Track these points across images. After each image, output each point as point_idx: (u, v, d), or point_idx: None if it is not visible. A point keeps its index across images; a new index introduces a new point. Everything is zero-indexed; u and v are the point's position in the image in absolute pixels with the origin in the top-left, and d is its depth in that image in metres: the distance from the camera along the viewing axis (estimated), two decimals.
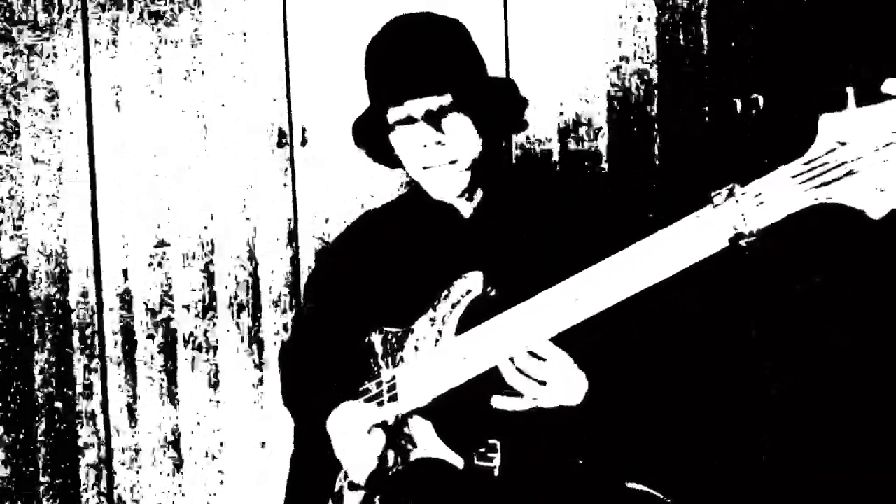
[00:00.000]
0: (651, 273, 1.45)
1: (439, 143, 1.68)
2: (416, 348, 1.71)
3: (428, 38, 1.70)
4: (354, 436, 1.73)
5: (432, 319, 1.69)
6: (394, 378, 1.73)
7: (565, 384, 1.57)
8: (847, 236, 2.05)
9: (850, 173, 1.28)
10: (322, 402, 1.81)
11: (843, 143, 1.29)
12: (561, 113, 2.38)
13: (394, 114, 1.71)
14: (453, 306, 1.66)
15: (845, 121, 1.29)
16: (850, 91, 1.30)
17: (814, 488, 2.24)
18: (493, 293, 1.65)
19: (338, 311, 1.92)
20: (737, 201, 1.37)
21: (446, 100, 1.68)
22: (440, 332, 1.67)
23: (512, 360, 1.57)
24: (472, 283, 1.65)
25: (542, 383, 1.56)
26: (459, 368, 1.63)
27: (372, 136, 1.79)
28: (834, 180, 1.29)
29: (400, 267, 1.84)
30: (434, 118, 1.68)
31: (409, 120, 1.70)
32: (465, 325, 1.66)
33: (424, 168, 1.72)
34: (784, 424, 2.26)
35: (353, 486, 1.77)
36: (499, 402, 1.59)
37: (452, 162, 1.70)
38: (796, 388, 2.23)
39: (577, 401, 1.58)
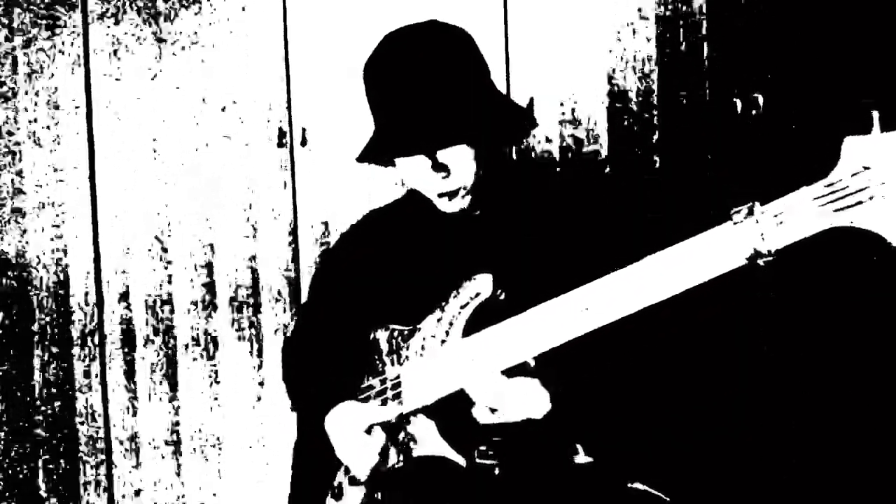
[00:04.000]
0: (665, 286, 1.46)
1: (445, 177, 1.67)
2: (422, 347, 1.71)
3: (433, 74, 1.64)
4: (353, 435, 1.73)
5: (440, 319, 1.69)
6: (398, 376, 1.73)
7: (525, 405, 1.59)
8: (866, 260, 2.08)
9: (872, 198, 1.29)
10: (324, 397, 1.81)
11: (867, 168, 1.30)
12: (561, 113, 2.40)
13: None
14: (462, 308, 1.67)
15: (870, 145, 1.29)
16: (875, 115, 1.31)
17: (813, 489, 2.26)
18: (502, 296, 1.65)
19: (342, 307, 1.92)
20: (756, 220, 1.36)
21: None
22: (447, 333, 1.68)
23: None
24: (481, 286, 1.65)
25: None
26: (466, 370, 1.63)
27: (378, 163, 1.79)
28: (856, 204, 1.30)
29: (405, 265, 1.85)
30: (433, 150, 1.66)
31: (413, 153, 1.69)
32: (471, 326, 1.66)
33: (432, 195, 1.72)
34: (785, 426, 2.28)
35: (354, 482, 1.77)
36: (477, 413, 1.61)
37: (457, 190, 1.70)
38: (797, 391, 2.26)
39: (539, 415, 1.60)
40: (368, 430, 1.73)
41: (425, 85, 1.63)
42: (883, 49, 2.13)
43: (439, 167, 1.66)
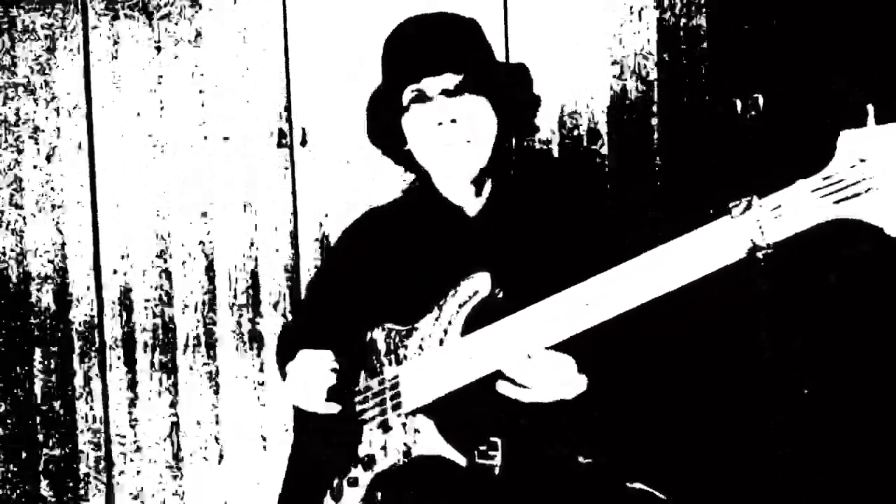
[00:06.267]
0: (664, 281, 1.46)
1: (454, 120, 1.69)
2: (420, 347, 1.71)
3: (445, 27, 1.72)
4: (306, 370, 1.75)
5: (438, 318, 1.69)
6: (397, 376, 1.73)
7: (561, 384, 1.57)
8: (864, 251, 2.07)
9: (869, 190, 1.29)
10: None
11: (863, 160, 1.30)
12: (562, 110, 2.39)
13: (409, 93, 1.72)
14: (460, 306, 1.66)
15: (865, 137, 1.30)
16: (870, 109, 1.31)
17: (815, 488, 2.26)
18: (500, 295, 1.64)
19: (339, 306, 1.91)
20: (755, 214, 1.37)
21: (461, 79, 1.69)
22: (446, 332, 1.67)
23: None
24: (479, 284, 1.65)
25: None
26: (465, 369, 1.63)
27: (385, 118, 1.80)
28: (854, 196, 1.31)
29: (404, 264, 1.84)
30: (450, 96, 1.69)
31: (424, 97, 1.70)
32: (469, 324, 1.65)
33: (438, 148, 1.72)
34: (786, 424, 2.27)
35: (353, 483, 1.76)
36: (503, 387, 1.58)
37: (467, 142, 1.71)
38: (798, 388, 2.25)
39: (571, 396, 1.59)
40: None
41: (442, 28, 1.71)
42: (876, 45, 2.13)
43: (452, 106, 1.68)
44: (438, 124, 1.70)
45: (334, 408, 1.74)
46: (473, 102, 1.70)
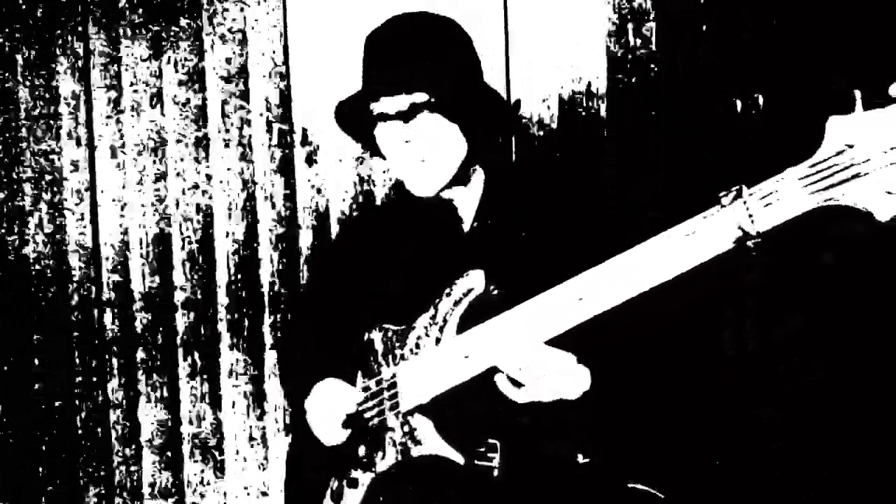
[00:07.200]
0: (656, 273, 1.45)
1: (407, 141, 1.70)
2: (417, 346, 1.71)
3: (411, 38, 1.72)
4: (329, 408, 1.77)
5: (433, 317, 1.69)
6: (394, 376, 1.73)
7: (563, 381, 1.56)
8: (854, 237, 2.06)
9: (857, 175, 1.29)
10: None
11: (851, 146, 1.30)
12: (561, 106, 2.38)
13: (374, 108, 1.73)
14: (455, 304, 1.66)
15: (853, 123, 1.30)
16: (857, 94, 1.30)
17: (816, 488, 2.25)
18: (495, 292, 1.64)
19: (339, 307, 1.91)
20: (744, 202, 1.37)
21: (419, 98, 1.69)
22: (441, 331, 1.67)
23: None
24: (474, 282, 1.65)
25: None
26: (461, 367, 1.63)
27: (359, 126, 1.81)
28: (842, 182, 1.30)
29: (401, 264, 1.85)
30: (405, 117, 1.70)
31: (384, 117, 1.72)
32: (465, 323, 1.65)
33: (398, 166, 1.74)
34: (786, 424, 2.26)
35: (353, 484, 1.76)
36: (502, 385, 1.57)
37: (421, 162, 1.71)
38: (796, 387, 2.24)
39: (575, 395, 1.57)
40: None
41: (407, 40, 1.71)
42: (863, 31, 2.12)
43: (406, 125, 1.69)
44: (394, 143, 1.72)
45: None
46: (428, 122, 1.70)
